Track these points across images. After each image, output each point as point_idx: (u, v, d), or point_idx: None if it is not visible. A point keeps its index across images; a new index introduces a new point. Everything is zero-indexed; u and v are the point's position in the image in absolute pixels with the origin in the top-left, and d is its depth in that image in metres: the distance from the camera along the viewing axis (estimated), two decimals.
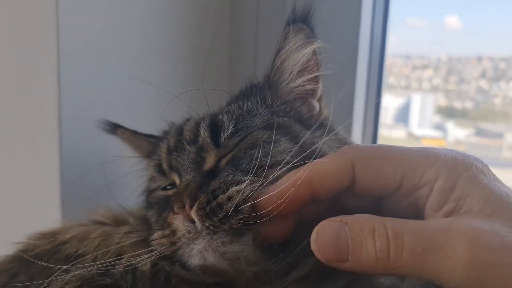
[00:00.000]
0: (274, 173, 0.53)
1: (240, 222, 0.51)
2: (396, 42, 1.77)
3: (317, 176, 0.47)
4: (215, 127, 0.61)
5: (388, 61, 1.69)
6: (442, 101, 1.66)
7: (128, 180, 0.70)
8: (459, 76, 1.66)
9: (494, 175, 0.45)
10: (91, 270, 0.49)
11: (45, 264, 0.51)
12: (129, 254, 0.52)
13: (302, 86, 0.66)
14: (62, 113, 0.74)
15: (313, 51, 0.64)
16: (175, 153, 0.62)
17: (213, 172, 0.57)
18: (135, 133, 0.75)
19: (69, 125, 0.76)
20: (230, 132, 0.60)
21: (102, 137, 0.75)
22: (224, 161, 0.58)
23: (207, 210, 0.51)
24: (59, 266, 0.50)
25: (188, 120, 0.69)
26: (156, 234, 0.55)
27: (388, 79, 1.48)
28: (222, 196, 0.52)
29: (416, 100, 1.67)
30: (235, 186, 0.52)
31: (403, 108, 1.64)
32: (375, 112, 1.06)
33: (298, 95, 0.67)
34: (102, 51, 0.81)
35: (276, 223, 0.49)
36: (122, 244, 0.54)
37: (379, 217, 0.42)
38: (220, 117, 0.62)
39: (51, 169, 0.74)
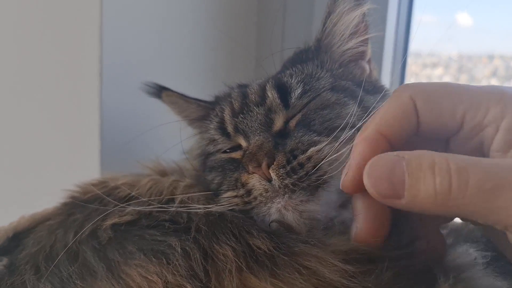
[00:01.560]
0: (347, 135, 0.52)
1: (319, 180, 0.51)
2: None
3: (383, 124, 0.43)
4: (282, 88, 0.62)
5: None
6: None
7: (169, 144, 0.68)
8: (470, 74, 1.65)
9: None
10: (148, 207, 0.50)
11: (100, 206, 0.51)
12: (183, 195, 0.53)
13: (354, 48, 0.67)
14: (104, 75, 0.74)
15: (363, 13, 0.66)
16: (241, 115, 0.62)
17: (282, 134, 0.58)
18: (183, 96, 0.74)
19: (110, 87, 0.76)
20: (299, 93, 0.60)
21: (143, 101, 0.75)
22: (293, 122, 0.58)
23: (288, 169, 0.51)
24: (115, 203, 0.51)
25: (248, 84, 0.69)
26: (228, 193, 0.56)
27: None
28: (302, 156, 0.52)
29: None
30: (314, 146, 0.53)
31: None
32: None
33: (351, 58, 0.67)
34: (145, 14, 0.79)
35: (369, 220, 0.45)
36: (175, 185, 0.55)
37: (441, 153, 0.39)
38: (286, 79, 0.63)
39: (91, 131, 0.73)
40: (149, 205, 0.51)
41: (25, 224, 0.52)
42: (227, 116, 0.64)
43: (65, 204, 0.55)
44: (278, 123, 0.59)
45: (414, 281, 0.44)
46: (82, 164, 0.74)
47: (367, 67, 0.69)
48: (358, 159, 0.43)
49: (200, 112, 0.73)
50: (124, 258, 0.44)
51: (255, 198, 0.53)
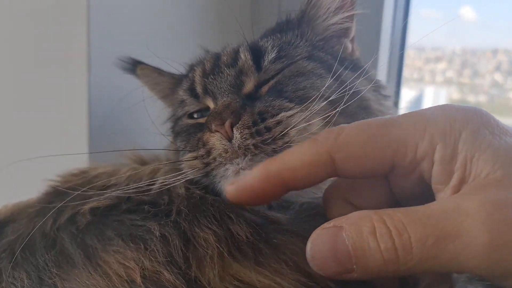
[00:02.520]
0: (320, 106, 0.50)
1: (283, 146, 0.48)
2: (410, 34, 1.75)
3: (287, 168, 0.40)
4: (257, 51, 0.59)
5: None
6: (456, 95, 1.63)
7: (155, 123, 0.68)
8: (473, 69, 1.64)
9: (499, 126, 0.38)
10: (127, 191, 0.49)
11: (80, 192, 0.49)
12: (163, 176, 0.51)
13: (339, 24, 0.65)
14: (92, 53, 0.72)
15: None
16: (212, 76, 0.59)
17: (253, 97, 0.55)
18: (157, 69, 0.71)
19: (98, 68, 0.74)
20: (273, 57, 0.58)
21: (130, 82, 0.73)
22: (265, 88, 0.56)
23: (253, 130, 0.49)
24: (93, 192, 0.49)
25: (224, 47, 0.67)
26: (188, 155, 0.54)
27: None
28: (271, 119, 0.50)
29: (429, 93, 1.64)
30: (285, 112, 0.50)
31: (415, 101, 1.61)
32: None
33: (334, 33, 0.65)
34: None
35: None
36: (154, 169, 0.53)
37: (376, 211, 0.36)
38: (262, 43, 0.61)
39: (79, 113, 0.72)
40: (128, 191, 0.49)
41: (7, 213, 0.51)
42: (197, 77, 0.61)
43: (46, 194, 0.54)
44: (249, 85, 0.57)
45: None
46: (70, 156, 0.74)
47: (349, 45, 0.66)
48: (251, 180, 0.41)
49: (172, 85, 0.71)
50: (103, 244, 0.43)
51: (214, 158, 0.50)
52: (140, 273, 0.40)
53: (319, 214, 0.47)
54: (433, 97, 1.64)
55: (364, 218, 0.36)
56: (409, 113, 0.41)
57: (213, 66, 0.61)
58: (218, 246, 0.42)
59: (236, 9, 0.99)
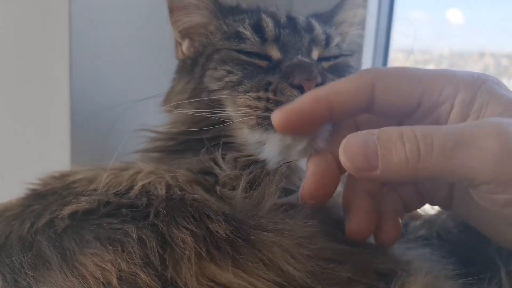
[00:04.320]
0: None
1: None
2: (398, 36, 1.76)
3: (335, 93, 0.46)
4: (325, 30, 0.64)
5: (390, 55, 1.68)
6: None
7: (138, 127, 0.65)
8: None
9: (508, 88, 0.45)
10: (106, 195, 0.49)
11: (60, 196, 0.50)
12: (145, 181, 0.50)
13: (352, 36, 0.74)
14: (73, 56, 0.71)
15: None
16: (287, 30, 0.60)
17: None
18: None
19: (80, 71, 0.73)
20: (337, 42, 0.64)
21: (113, 83, 0.73)
22: (327, 64, 0.60)
23: None
24: (72, 198, 0.49)
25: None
26: (252, 94, 0.53)
27: None
28: None
29: None
30: None
31: None
32: None
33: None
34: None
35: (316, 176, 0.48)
36: (135, 176, 0.52)
37: (405, 126, 0.42)
38: (326, 27, 0.65)
39: (62, 115, 0.71)
40: (107, 195, 0.49)
41: None
42: (269, 22, 0.60)
43: (25, 197, 0.53)
44: (315, 55, 0.60)
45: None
46: (52, 156, 0.73)
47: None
48: (301, 103, 0.46)
49: (208, 17, 0.66)
50: (81, 247, 0.43)
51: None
52: (116, 274, 0.40)
53: (293, 207, 0.48)
54: None
55: (393, 128, 0.42)
56: (441, 69, 0.47)
57: (289, 22, 0.62)
58: (196, 246, 0.42)
59: None
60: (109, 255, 0.42)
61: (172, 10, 0.65)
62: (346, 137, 0.43)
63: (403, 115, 0.47)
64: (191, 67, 0.63)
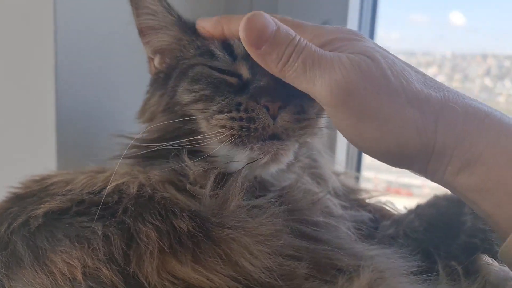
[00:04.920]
0: None
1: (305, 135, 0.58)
2: (400, 39, 1.75)
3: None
4: None
5: None
6: None
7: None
8: (464, 73, 1.65)
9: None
10: (80, 195, 0.52)
11: (37, 198, 0.53)
12: (120, 181, 0.53)
13: None
14: (58, 55, 0.71)
15: None
16: None
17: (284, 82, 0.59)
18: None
19: (66, 74, 0.73)
20: None
21: (100, 82, 0.75)
22: None
23: (296, 117, 0.56)
24: (57, 196, 0.51)
25: None
26: (223, 116, 0.56)
27: None
28: (310, 114, 0.58)
29: None
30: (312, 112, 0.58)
31: None
32: None
33: None
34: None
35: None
36: (109, 177, 0.54)
37: (302, 40, 0.49)
38: None
39: (47, 117, 0.72)
40: (81, 195, 0.51)
41: None
42: (236, 41, 0.61)
43: (6, 200, 0.56)
44: None
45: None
46: (38, 158, 0.75)
47: None
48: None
49: (182, 27, 0.66)
50: (52, 245, 0.45)
51: (256, 129, 0.54)
52: (82, 270, 0.43)
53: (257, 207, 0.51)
54: None
55: (292, 32, 0.50)
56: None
57: None
58: (159, 241, 0.45)
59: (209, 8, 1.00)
60: (76, 252, 0.44)
61: (141, 31, 0.66)
62: (257, 12, 0.50)
63: None
64: (163, 80, 0.65)
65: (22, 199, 0.54)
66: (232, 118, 0.55)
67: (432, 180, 0.50)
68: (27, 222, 0.49)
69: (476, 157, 0.46)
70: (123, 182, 0.53)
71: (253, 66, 0.58)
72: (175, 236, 0.46)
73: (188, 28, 0.65)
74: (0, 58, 0.76)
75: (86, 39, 0.75)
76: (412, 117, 0.47)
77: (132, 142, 0.60)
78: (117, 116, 0.67)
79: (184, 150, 0.57)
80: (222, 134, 0.55)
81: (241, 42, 0.56)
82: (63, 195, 0.52)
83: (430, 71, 1.64)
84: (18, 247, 0.47)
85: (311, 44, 0.50)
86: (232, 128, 0.55)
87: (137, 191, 0.51)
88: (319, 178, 0.66)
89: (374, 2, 1.03)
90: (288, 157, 0.58)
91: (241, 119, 0.55)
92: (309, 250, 0.49)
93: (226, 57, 0.60)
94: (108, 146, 0.64)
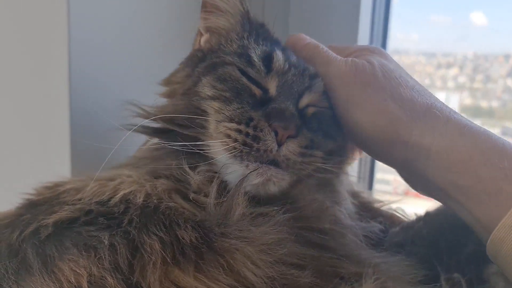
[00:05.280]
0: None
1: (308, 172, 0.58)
2: (420, 40, 1.73)
3: None
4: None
5: (411, 59, 1.66)
6: (468, 100, 1.62)
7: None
8: (485, 74, 1.62)
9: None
10: (89, 204, 0.53)
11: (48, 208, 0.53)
12: (127, 190, 0.54)
13: None
14: (72, 58, 0.72)
15: None
16: (294, 69, 0.62)
17: (302, 112, 0.61)
18: None
19: (79, 73, 0.74)
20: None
21: (114, 85, 0.76)
22: (312, 110, 0.62)
23: (300, 150, 0.56)
24: (66, 206, 0.53)
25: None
26: (232, 124, 0.56)
27: None
28: (317, 151, 0.59)
29: (441, 99, 1.63)
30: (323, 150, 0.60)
31: None
32: None
33: None
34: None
35: None
36: (119, 186, 0.55)
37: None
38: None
39: (61, 124, 0.73)
40: (90, 204, 0.52)
41: None
42: (279, 56, 0.62)
43: (19, 206, 0.58)
44: (304, 102, 0.62)
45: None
46: (52, 161, 0.76)
47: None
48: None
49: (235, 24, 0.68)
50: (60, 253, 0.47)
51: (258, 149, 0.54)
52: (87, 279, 0.44)
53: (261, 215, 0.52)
54: (445, 103, 1.62)
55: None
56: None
57: (298, 62, 0.64)
58: (163, 252, 0.45)
59: None
60: (83, 261, 0.45)
61: (205, 5, 0.67)
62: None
63: None
64: (198, 60, 0.66)
65: (34, 206, 0.56)
66: (239, 131, 0.56)
67: (416, 179, 0.59)
68: (38, 230, 0.50)
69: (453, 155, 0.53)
70: (131, 192, 0.54)
71: (283, 86, 0.60)
72: (179, 247, 0.47)
73: (249, 25, 0.66)
74: (14, 61, 0.78)
75: (100, 39, 0.76)
76: (390, 109, 0.56)
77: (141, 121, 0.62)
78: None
79: (184, 157, 0.58)
80: (226, 144, 0.56)
81: (283, 55, 0.62)
82: (73, 204, 0.53)
83: (451, 72, 1.62)
84: (28, 254, 0.48)
85: (329, 50, 0.64)
86: (236, 140, 0.55)
87: (143, 201, 0.52)
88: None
89: (388, 2, 1.02)
90: (280, 187, 0.57)
91: (247, 134, 0.55)
92: (313, 258, 0.49)
93: (261, 67, 0.61)
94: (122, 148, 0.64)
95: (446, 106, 0.57)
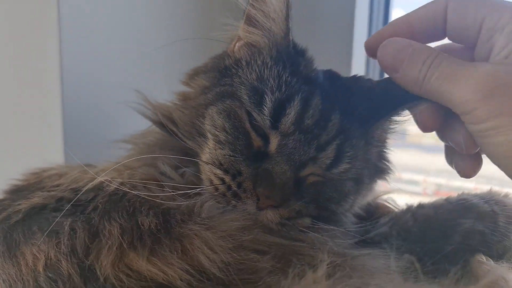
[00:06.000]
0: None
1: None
2: None
3: (414, 15, 0.54)
4: (339, 152, 0.56)
5: None
6: None
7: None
8: None
9: None
10: (62, 191, 0.54)
11: (28, 193, 0.55)
12: (101, 179, 0.53)
13: None
14: (63, 53, 0.73)
15: None
16: (299, 135, 0.54)
17: (299, 180, 0.55)
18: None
19: (71, 68, 0.75)
20: (343, 169, 0.57)
21: (105, 79, 0.76)
22: (313, 179, 0.56)
23: (282, 221, 0.52)
24: (40, 192, 0.54)
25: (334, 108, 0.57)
26: (218, 171, 0.54)
27: None
28: (304, 219, 0.54)
29: None
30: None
31: None
32: None
33: None
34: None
35: None
36: (98, 171, 0.55)
37: (439, 51, 0.50)
38: (346, 148, 0.56)
39: (54, 113, 0.75)
40: (63, 191, 0.54)
41: None
42: (293, 113, 0.54)
43: (4, 191, 0.60)
44: (306, 172, 0.55)
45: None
46: (45, 153, 0.77)
47: None
48: (382, 33, 0.56)
49: (266, 44, 0.60)
50: (26, 238, 0.48)
51: (235, 206, 0.52)
52: (44, 262, 0.45)
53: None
54: None
55: (428, 49, 0.51)
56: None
57: (314, 126, 0.55)
58: (120, 237, 0.46)
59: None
60: (44, 245, 0.47)
61: (249, 17, 0.60)
62: (391, 39, 0.53)
63: (469, 43, 0.53)
64: (223, 70, 0.61)
65: (17, 191, 0.58)
66: (222, 180, 0.53)
67: None
68: (9, 216, 0.52)
69: None
70: (107, 179, 0.54)
71: (284, 146, 0.54)
72: (138, 233, 0.47)
73: (285, 53, 0.58)
74: (7, 59, 0.80)
75: (91, 37, 0.77)
76: None
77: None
78: (124, 111, 0.66)
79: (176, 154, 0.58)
80: (208, 185, 0.54)
81: (296, 113, 0.53)
82: (48, 191, 0.55)
83: None
84: None
85: (446, 54, 0.51)
86: (217, 188, 0.53)
87: (115, 189, 0.53)
88: None
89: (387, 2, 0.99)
90: None
91: (228, 188, 0.53)
92: (280, 246, 0.49)
93: (268, 119, 0.54)
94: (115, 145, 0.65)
95: None
